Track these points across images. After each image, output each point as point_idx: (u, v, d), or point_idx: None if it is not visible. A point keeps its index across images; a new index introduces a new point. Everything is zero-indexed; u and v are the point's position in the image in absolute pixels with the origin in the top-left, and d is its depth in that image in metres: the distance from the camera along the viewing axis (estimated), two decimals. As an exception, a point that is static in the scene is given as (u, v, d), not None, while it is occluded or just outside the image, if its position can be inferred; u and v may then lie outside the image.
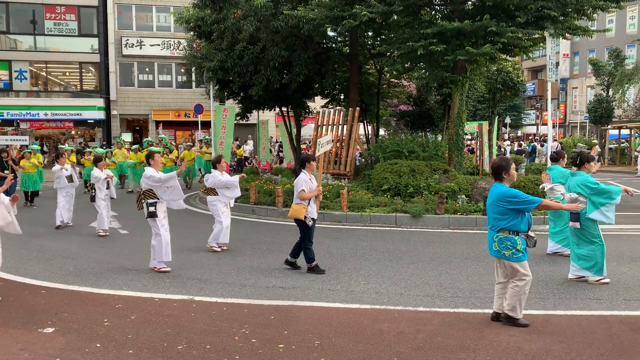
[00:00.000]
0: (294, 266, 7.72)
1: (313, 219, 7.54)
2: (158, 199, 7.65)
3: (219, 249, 8.97)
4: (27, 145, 17.41)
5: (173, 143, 22.98)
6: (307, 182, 7.50)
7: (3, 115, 31.06)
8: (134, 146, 19.70)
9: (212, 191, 9.11)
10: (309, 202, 7.49)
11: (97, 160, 11.42)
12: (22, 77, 31.84)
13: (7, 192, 13.04)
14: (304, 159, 7.86)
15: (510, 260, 5.28)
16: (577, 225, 6.91)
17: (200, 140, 21.66)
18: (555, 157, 8.81)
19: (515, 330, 5.24)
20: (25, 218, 12.66)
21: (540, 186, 9.46)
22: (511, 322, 5.32)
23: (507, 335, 5.11)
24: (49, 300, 6.31)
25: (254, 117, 22.00)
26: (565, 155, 8.99)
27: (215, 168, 9.18)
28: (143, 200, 7.74)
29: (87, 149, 18.43)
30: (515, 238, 5.24)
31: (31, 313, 5.80)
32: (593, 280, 6.85)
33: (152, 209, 7.63)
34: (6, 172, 13.37)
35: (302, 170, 7.69)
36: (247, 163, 26.94)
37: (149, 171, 7.67)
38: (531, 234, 5.34)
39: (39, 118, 31.76)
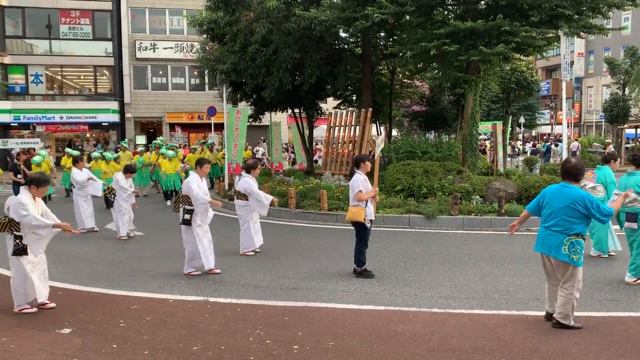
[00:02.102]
0: (367, 275, 7.31)
1: (371, 220, 7.33)
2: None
3: (251, 253, 8.86)
4: (33, 149, 17.49)
5: (186, 144, 23.06)
6: (363, 182, 7.18)
7: (19, 119, 31.47)
8: (140, 148, 19.81)
9: (242, 195, 8.85)
10: (366, 204, 7.24)
11: (75, 161, 11.53)
12: (38, 80, 32.24)
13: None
14: (359, 158, 7.50)
15: (577, 265, 5.19)
16: (635, 225, 6.64)
17: (203, 143, 21.68)
18: (607, 158, 8.58)
19: (531, 331, 5.20)
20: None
21: (582, 183, 9.33)
22: (564, 328, 5.24)
23: (523, 337, 5.07)
24: (65, 301, 6.38)
25: (266, 119, 22.07)
26: (618, 158, 8.74)
27: (249, 173, 8.91)
28: (181, 205, 7.59)
29: (95, 153, 18.54)
30: (583, 242, 5.19)
31: (49, 314, 5.87)
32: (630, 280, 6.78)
33: (187, 216, 7.45)
34: (19, 176, 13.47)
35: (357, 170, 7.31)
36: (259, 164, 26.99)
37: (192, 179, 7.53)
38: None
39: (55, 121, 32.14)
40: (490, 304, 6.11)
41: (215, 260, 7.68)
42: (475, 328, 5.34)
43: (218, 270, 7.61)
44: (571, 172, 5.26)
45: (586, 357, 4.61)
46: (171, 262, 8.12)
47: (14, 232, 5.88)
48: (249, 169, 9.04)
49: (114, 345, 4.94)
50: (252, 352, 4.75)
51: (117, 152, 21.33)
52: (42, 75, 32.25)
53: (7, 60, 31.24)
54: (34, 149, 17.50)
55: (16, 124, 31.78)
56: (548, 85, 47.35)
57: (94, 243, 10.12)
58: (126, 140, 25.94)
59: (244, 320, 5.62)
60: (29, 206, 5.80)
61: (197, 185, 7.46)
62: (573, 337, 5.06)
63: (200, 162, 7.85)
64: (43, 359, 4.65)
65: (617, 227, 7.41)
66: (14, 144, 16.07)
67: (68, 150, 16.15)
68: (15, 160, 14.42)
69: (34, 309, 5.97)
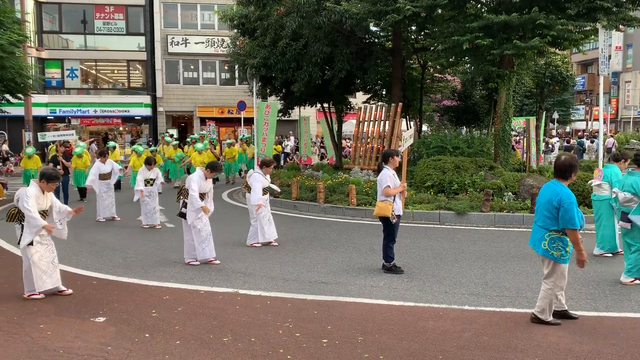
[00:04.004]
0: (396, 271, 7.27)
1: (398, 216, 7.25)
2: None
3: (258, 245, 9.03)
4: (68, 142, 17.93)
5: (218, 139, 23.33)
6: (391, 177, 7.11)
7: (56, 112, 32.30)
8: (174, 142, 20.12)
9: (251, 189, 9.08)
10: (394, 199, 7.18)
11: (100, 155, 12.42)
12: (73, 75, 33.01)
13: (57, 189, 13.64)
14: (387, 153, 7.42)
15: (557, 261, 5.15)
16: (628, 226, 6.63)
17: (241, 139, 21.93)
18: (618, 157, 8.40)
19: (565, 331, 5.08)
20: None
21: (589, 182, 9.12)
22: (541, 323, 5.25)
23: (556, 336, 4.96)
24: (99, 290, 6.53)
25: (295, 113, 22.11)
26: (629, 159, 8.54)
27: (261, 168, 9.12)
28: (181, 197, 7.91)
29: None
30: (567, 239, 5.11)
31: (83, 303, 6.02)
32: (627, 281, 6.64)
33: (184, 210, 7.78)
34: (58, 167, 13.88)
35: (385, 165, 7.24)
36: (288, 159, 27.12)
37: (194, 177, 7.79)
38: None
39: (89, 115, 32.88)
40: (522, 302, 6.00)
41: (244, 252, 7.75)
42: (507, 326, 5.25)
43: (217, 262, 7.78)
44: (560, 170, 5.20)
45: (622, 359, 4.48)
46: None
47: (22, 223, 6.10)
48: (262, 164, 9.24)
49: (147, 335, 5.03)
50: (282, 345, 4.77)
51: (155, 145, 21.70)
52: (77, 70, 33.01)
53: (44, 55, 32.08)
54: (69, 142, 17.94)
55: (52, 117, 32.63)
56: (583, 80, 46.10)
57: (127, 234, 10.32)
58: (166, 132, 26.29)
59: (273, 312, 5.65)
60: (31, 200, 6.00)
61: (196, 185, 7.67)
62: (609, 338, 4.93)
63: (212, 167, 7.96)
64: (78, 346, 4.76)
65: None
66: (51, 137, 16.51)
67: (135, 147, 16.58)
68: (53, 152, 14.84)
69: (42, 295, 6.17)
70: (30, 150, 15.68)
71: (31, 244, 6.10)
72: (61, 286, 6.33)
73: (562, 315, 5.37)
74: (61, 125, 32.74)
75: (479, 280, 6.92)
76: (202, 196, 7.82)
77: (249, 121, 25.38)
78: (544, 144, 19.91)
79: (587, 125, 44.52)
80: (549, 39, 12.09)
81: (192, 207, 7.67)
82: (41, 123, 31.86)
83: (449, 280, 6.93)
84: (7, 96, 14.66)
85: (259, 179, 8.92)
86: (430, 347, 4.73)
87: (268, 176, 9.30)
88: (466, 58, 16.03)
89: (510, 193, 11.91)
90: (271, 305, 5.90)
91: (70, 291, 6.34)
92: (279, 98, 20.43)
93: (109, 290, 6.52)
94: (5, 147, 27.40)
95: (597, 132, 20.04)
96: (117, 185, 17.03)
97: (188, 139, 21.85)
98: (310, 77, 16.32)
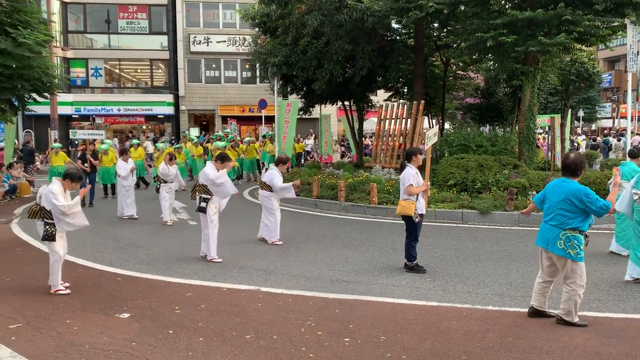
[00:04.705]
0: (418, 270, 7.22)
1: (421, 214, 7.20)
2: (211, 195, 7.85)
3: (280, 242, 9.04)
4: (96, 141, 18.27)
5: (239, 137, 23.49)
6: (414, 176, 7.08)
7: (80, 111, 32.84)
8: (195, 140, 20.37)
9: (267, 186, 9.10)
10: (417, 198, 7.13)
11: (122, 153, 12.60)
12: (98, 74, 33.52)
13: (83, 185, 13.91)
14: (410, 152, 7.38)
15: (575, 260, 5.12)
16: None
17: (264, 136, 22.02)
18: (635, 154, 8.25)
19: (592, 333, 4.98)
20: (101, 209, 13.35)
21: (609, 182, 8.92)
22: (567, 325, 5.19)
23: (583, 338, 4.87)
24: (124, 287, 6.61)
25: (316, 111, 22.11)
26: None
27: (277, 165, 9.18)
28: (197, 193, 8.00)
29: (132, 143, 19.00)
30: (581, 237, 5.11)
31: (108, 299, 6.09)
32: None
33: (203, 204, 7.87)
34: (86, 165, 14.11)
35: (408, 164, 7.21)
36: (308, 157, 27.14)
37: (208, 168, 7.89)
38: (587, 232, 5.19)
39: (113, 113, 33.36)
40: (549, 303, 5.87)
41: (265, 250, 7.76)
42: (532, 327, 5.17)
43: (219, 259, 7.85)
44: (569, 168, 5.23)
45: (653, 363, 4.38)
46: (223, 251, 8.24)
47: (45, 220, 6.21)
48: (278, 162, 9.26)
49: (170, 331, 5.07)
50: (304, 343, 4.77)
51: (177, 142, 21.90)
52: (101, 69, 33.51)
53: (69, 54, 32.63)
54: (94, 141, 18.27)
55: (77, 116, 33.19)
56: (610, 77, 45.19)
57: (150, 231, 10.43)
58: (187, 132, 26.51)
59: (295, 310, 5.65)
60: (59, 196, 6.11)
61: (214, 171, 7.81)
62: (638, 340, 4.81)
63: (221, 158, 8.06)
64: (104, 341, 4.82)
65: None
66: (82, 135, 16.91)
67: (158, 145, 16.89)
68: (80, 150, 15.15)
69: (68, 290, 6.30)
70: (57, 144, 16.00)
71: (54, 239, 6.20)
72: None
73: (540, 314, 5.43)
74: (85, 124, 33.29)
75: (503, 280, 6.82)
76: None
77: (269, 119, 25.45)
78: (569, 142, 19.56)
79: (613, 123, 43.65)
80: (575, 35, 11.88)
81: (217, 186, 7.74)
82: (66, 122, 32.43)
83: (472, 280, 6.85)
84: (34, 95, 14.94)
85: (274, 174, 8.98)
86: (454, 348, 4.67)
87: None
88: (489, 55, 15.85)
89: (535, 192, 11.71)
90: (293, 303, 5.90)
91: (68, 291, 6.35)
92: (299, 96, 20.45)
93: (133, 287, 6.60)
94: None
95: (624, 130, 19.63)
96: (140, 184, 17.28)
97: (213, 136, 22.06)
98: (331, 75, 16.30)
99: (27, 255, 8.39)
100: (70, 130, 16.92)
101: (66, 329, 5.12)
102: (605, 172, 13.23)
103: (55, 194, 6.10)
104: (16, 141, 23.42)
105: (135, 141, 18.78)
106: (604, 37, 13.61)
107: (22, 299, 6.10)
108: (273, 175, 9.01)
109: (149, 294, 6.27)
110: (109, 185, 15.56)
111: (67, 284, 6.43)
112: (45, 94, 15.33)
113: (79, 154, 16.87)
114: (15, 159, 18.39)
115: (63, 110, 30.78)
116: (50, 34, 15.86)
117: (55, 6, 30.61)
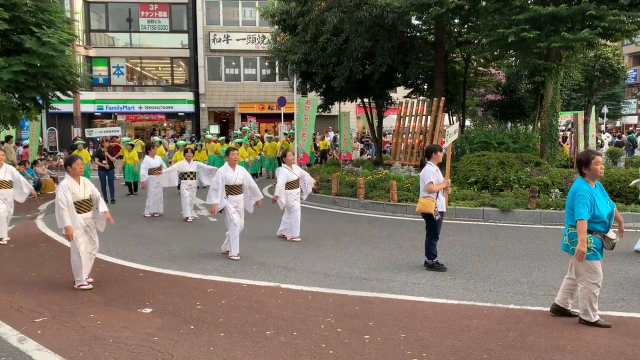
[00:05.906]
0: (439, 268, 7.17)
1: (442, 212, 7.16)
2: (228, 195, 7.88)
3: (298, 239, 9.07)
4: (117, 137, 18.51)
5: (257, 135, 23.57)
6: (434, 173, 7.03)
7: (103, 109, 33.30)
8: (221, 138, 20.50)
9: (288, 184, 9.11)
10: (437, 195, 7.09)
11: (148, 148, 12.72)
12: (119, 72, 33.95)
13: (103, 183, 14.03)
14: (431, 149, 7.32)
15: (586, 258, 5.03)
16: None
17: (285, 134, 22.07)
18: None
19: (616, 333, 4.90)
20: (125, 206, 13.55)
21: (632, 182, 8.76)
22: (588, 325, 5.13)
23: (607, 338, 4.79)
24: (146, 282, 6.70)
25: (335, 108, 22.08)
26: None
27: (283, 162, 9.19)
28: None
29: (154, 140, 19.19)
30: (588, 236, 5.01)
31: (131, 294, 6.18)
32: None
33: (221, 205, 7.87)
34: (104, 162, 14.30)
35: (428, 161, 7.18)
36: (327, 154, 27.11)
37: (221, 169, 7.99)
38: (611, 235, 5.04)
39: (134, 111, 33.76)
40: (573, 302, 5.80)
41: (285, 246, 7.78)
42: (554, 327, 5.10)
43: (237, 257, 7.85)
44: (577, 166, 5.28)
45: (680, 364, 4.29)
46: (244, 248, 8.30)
47: None
48: (282, 156, 9.33)
49: (192, 327, 5.12)
50: (324, 340, 4.78)
51: (197, 140, 22.08)
52: (122, 67, 33.92)
53: (92, 53, 33.09)
54: (116, 137, 18.51)
55: (99, 114, 33.66)
56: (635, 73, 44.25)
57: (172, 227, 10.55)
58: (207, 131, 26.68)
59: (315, 307, 5.67)
60: (67, 192, 6.20)
61: (222, 175, 7.85)
62: (665, 341, 4.72)
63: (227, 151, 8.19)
64: (127, 336, 4.89)
65: None
66: (98, 133, 17.11)
67: (178, 142, 16.93)
68: (100, 147, 15.32)
69: (90, 286, 6.38)
70: (80, 141, 16.29)
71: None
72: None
73: (562, 311, 5.36)
74: (108, 122, 33.74)
75: (525, 279, 6.75)
76: (232, 188, 7.91)
77: (289, 117, 25.50)
78: (592, 139, 19.22)
79: (638, 119, 42.75)
80: (599, 31, 11.66)
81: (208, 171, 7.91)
82: (89, 119, 32.91)
83: (493, 278, 6.79)
84: (58, 93, 15.20)
85: (283, 173, 9.00)
86: (475, 346, 4.64)
87: (296, 168, 9.31)
88: (511, 51, 15.63)
89: (557, 190, 11.56)
90: (312, 300, 5.92)
91: (90, 286, 6.42)
92: (319, 93, 20.45)
93: (155, 282, 6.68)
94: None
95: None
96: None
97: (235, 132, 22.21)
98: (350, 72, 16.27)
99: (52, 251, 8.56)
100: (86, 130, 17.10)
101: (90, 323, 5.21)
102: (630, 169, 12.98)
103: (64, 189, 6.23)
104: (40, 139, 23.86)
105: (156, 139, 18.97)
106: (629, 32, 13.30)
107: (47, 293, 6.23)
108: (282, 172, 9.05)
109: (170, 290, 6.34)
110: (131, 183, 15.76)
111: (90, 279, 6.54)
112: (69, 92, 15.58)
113: (92, 152, 17.07)
114: (39, 156, 18.74)
115: (86, 108, 31.21)
116: (74, 32, 16.10)
117: (78, 5, 31.07)
